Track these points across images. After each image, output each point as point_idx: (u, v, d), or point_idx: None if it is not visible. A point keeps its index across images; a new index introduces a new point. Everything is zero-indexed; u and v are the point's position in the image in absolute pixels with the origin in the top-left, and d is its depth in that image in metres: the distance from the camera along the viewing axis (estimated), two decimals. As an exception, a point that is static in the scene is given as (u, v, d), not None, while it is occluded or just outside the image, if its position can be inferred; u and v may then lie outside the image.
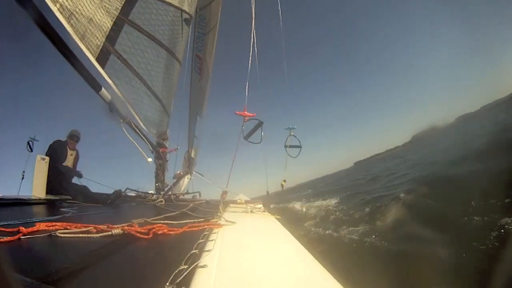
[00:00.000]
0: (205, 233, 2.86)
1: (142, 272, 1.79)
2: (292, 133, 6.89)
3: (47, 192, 6.21)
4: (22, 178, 7.06)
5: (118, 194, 6.44)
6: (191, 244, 2.29)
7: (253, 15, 6.18)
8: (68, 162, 6.95)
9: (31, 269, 1.61)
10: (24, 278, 1.32)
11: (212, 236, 2.78)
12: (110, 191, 6.48)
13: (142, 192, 7.73)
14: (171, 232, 2.79)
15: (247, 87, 5.81)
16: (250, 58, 6.53)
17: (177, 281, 1.52)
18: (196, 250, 2.16)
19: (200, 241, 2.48)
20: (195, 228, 3.09)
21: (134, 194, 7.59)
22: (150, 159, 6.79)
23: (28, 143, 7.10)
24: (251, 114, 5.61)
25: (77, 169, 7.32)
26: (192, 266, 1.77)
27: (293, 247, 2.95)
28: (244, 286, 1.78)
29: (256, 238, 3.54)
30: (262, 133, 5.67)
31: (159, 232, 2.71)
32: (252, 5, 6.21)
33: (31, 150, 7.12)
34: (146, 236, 2.51)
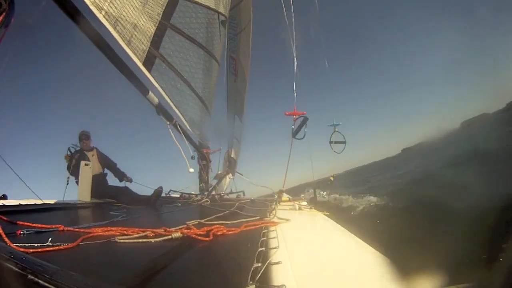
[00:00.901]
0: (263, 231, 2.86)
1: (217, 274, 1.80)
2: (336, 129, 6.85)
3: (91, 197, 6.39)
4: (67, 183, 7.19)
5: (158, 193, 6.53)
6: (254, 243, 2.29)
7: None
8: (93, 163, 7.03)
9: (98, 275, 1.63)
10: (102, 282, 1.32)
11: (272, 234, 2.78)
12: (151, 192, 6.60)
13: (185, 193, 7.82)
14: (230, 232, 2.80)
15: (294, 87, 5.81)
16: (295, 59, 6.51)
17: (257, 278, 1.52)
18: (263, 248, 2.15)
19: (262, 239, 2.47)
20: (252, 227, 3.10)
21: (177, 195, 7.68)
22: (192, 169, 6.87)
23: (69, 149, 7.24)
24: (301, 113, 5.61)
25: (119, 168, 7.44)
26: (266, 263, 1.76)
27: (353, 240, 2.92)
28: (323, 279, 1.76)
29: (315, 233, 3.55)
30: (306, 129, 5.66)
31: (219, 233, 2.72)
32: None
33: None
34: (206, 238, 2.51)
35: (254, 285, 1.45)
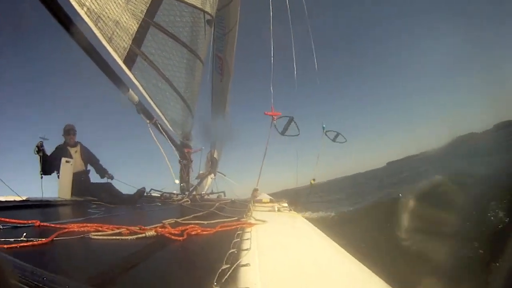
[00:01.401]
0: (238, 232, 2.82)
1: (185, 273, 1.79)
2: (325, 131, 7.00)
3: (72, 194, 6.30)
4: (41, 177, 6.93)
5: (141, 193, 6.47)
6: (227, 244, 2.27)
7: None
8: (76, 159, 6.83)
9: (69, 271, 1.62)
10: (68, 280, 1.31)
11: (246, 235, 2.75)
12: (134, 191, 6.53)
13: (166, 192, 7.76)
14: (204, 232, 2.77)
15: (271, 87, 5.84)
16: (272, 59, 6.57)
17: (223, 280, 1.50)
18: (234, 249, 2.12)
19: (235, 240, 2.44)
20: (227, 228, 3.07)
21: (158, 195, 7.62)
22: (177, 181, 6.83)
23: (39, 145, 6.96)
24: (278, 113, 5.65)
25: (102, 165, 7.32)
26: (234, 265, 1.74)
27: (328, 244, 2.93)
28: (289, 283, 1.76)
29: (290, 236, 3.54)
30: (297, 126, 5.75)
31: (193, 233, 2.69)
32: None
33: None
34: (180, 238, 2.48)
35: (218, 287, 1.45)
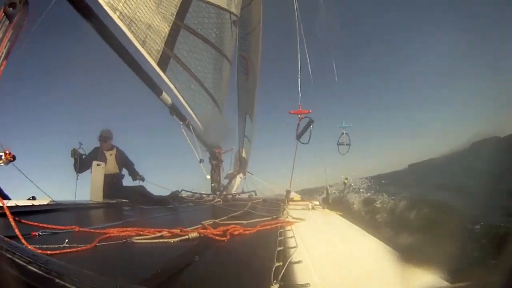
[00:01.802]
0: (280, 230, 2.85)
1: (240, 274, 1.78)
2: (344, 131, 6.86)
3: (104, 197, 6.40)
4: (77, 179, 7.07)
5: (175, 196, 6.54)
6: (272, 242, 2.29)
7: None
8: (110, 163, 6.96)
9: (118, 276, 1.60)
10: (129, 284, 1.32)
11: (289, 233, 2.78)
12: (166, 192, 6.59)
13: (197, 192, 7.82)
14: (246, 232, 2.78)
15: (299, 84, 5.75)
16: (299, 54, 6.49)
17: (280, 277, 1.50)
18: (281, 247, 2.14)
19: (280, 238, 2.47)
20: (268, 227, 3.09)
21: (189, 195, 7.68)
22: (208, 176, 6.85)
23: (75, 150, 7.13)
24: (306, 111, 5.53)
25: (135, 169, 7.43)
26: (287, 263, 1.75)
27: (369, 239, 2.94)
28: (346, 278, 1.77)
29: (331, 232, 3.56)
30: (311, 133, 5.57)
31: (235, 233, 2.70)
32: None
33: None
34: (223, 238, 2.48)
35: (278, 284, 1.44)
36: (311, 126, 5.48)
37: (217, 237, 2.48)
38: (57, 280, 1.04)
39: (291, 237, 2.60)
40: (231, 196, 7.46)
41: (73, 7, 4.28)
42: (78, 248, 2.05)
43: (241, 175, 9.38)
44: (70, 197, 6.63)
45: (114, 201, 6.35)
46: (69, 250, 2.00)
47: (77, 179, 6.83)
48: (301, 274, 1.65)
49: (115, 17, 4.76)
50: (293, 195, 7.38)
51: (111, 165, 6.97)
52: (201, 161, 7.51)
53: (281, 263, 1.73)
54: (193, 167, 7.49)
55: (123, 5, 4.87)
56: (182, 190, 7.69)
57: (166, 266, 1.84)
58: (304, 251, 2.13)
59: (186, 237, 2.48)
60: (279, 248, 2.09)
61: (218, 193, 7.88)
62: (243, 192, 8.58)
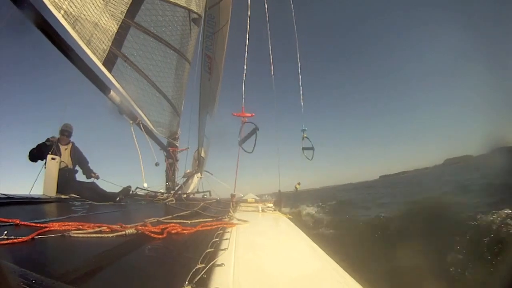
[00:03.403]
0: (218, 232, 2.88)
1: (159, 272, 1.79)
2: (305, 135, 6.90)
3: (57, 191, 6.31)
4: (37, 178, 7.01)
5: (126, 191, 6.50)
6: (205, 243, 2.31)
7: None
8: (64, 157, 6.89)
9: (47, 269, 1.63)
10: (42, 277, 1.33)
11: (226, 235, 2.81)
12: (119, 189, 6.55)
13: (152, 191, 7.78)
14: (184, 232, 2.80)
15: (243, 85, 5.71)
16: (246, 53, 6.49)
17: (195, 280, 1.52)
18: (212, 249, 2.17)
19: (215, 240, 2.49)
20: (208, 227, 3.11)
21: (144, 193, 7.64)
22: (146, 184, 6.85)
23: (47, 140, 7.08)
24: (249, 114, 5.43)
25: (89, 167, 7.34)
26: (209, 265, 1.77)
27: (307, 245, 2.95)
28: (262, 284, 1.78)
29: (270, 237, 3.56)
30: (255, 142, 5.47)
31: (173, 232, 2.73)
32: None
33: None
34: (160, 236, 2.52)
35: (190, 286, 1.46)
36: (256, 134, 5.35)
37: (153, 235, 2.51)
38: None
39: (227, 239, 2.63)
40: (185, 195, 7.45)
41: (15, 5, 4.18)
42: (14, 240, 2.04)
43: (198, 174, 9.37)
44: (25, 191, 6.57)
45: (67, 196, 6.26)
46: (5, 242, 1.99)
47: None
48: (218, 277, 1.68)
49: (59, 16, 4.67)
50: (250, 196, 7.45)
51: (65, 159, 6.90)
52: (156, 164, 7.48)
53: (203, 265, 1.75)
54: (149, 166, 7.44)
55: (68, 3, 4.79)
56: (137, 188, 7.65)
57: (93, 261, 1.87)
58: (231, 254, 2.16)
59: (123, 233, 2.50)
60: (208, 250, 2.12)
61: (172, 192, 7.87)
62: (197, 192, 8.59)
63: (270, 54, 7.35)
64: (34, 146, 6.82)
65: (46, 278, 1.33)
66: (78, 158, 7.19)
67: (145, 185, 6.74)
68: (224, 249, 2.24)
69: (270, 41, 7.40)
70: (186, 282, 1.48)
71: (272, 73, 7.84)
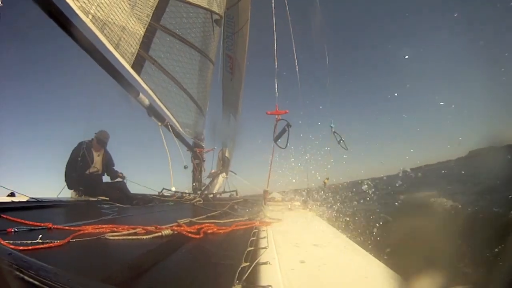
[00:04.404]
0: (254, 230, 2.87)
1: (205, 272, 1.79)
2: (334, 131, 6.91)
3: (84, 194, 6.41)
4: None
5: (146, 199, 6.56)
6: (244, 242, 2.30)
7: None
8: (96, 163, 6.96)
9: (89, 272, 1.64)
10: (88, 280, 1.34)
11: (262, 234, 2.79)
12: (148, 191, 6.60)
13: (178, 192, 7.83)
14: (220, 231, 2.80)
15: (276, 84, 5.73)
16: (275, 52, 6.50)
17: (244, 278, 1.51)
18: (252, 248, 2.16)
19: (252, 238, 2.48)
20: (243, 227, 3.11)
21: (170, 194, 7.70)
22: (174, 188, 6.93)
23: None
24: (283, 112, 5.50)
25: (114, 168, 7.40)
26: (254, 263, 1.76)
27: (344, 241, 2.91)
28: (311, 280, 1.76)
29: (305, 234, 3.52)
30: (288, 137, 5.53)
31: (209, 231, 2.73)
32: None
33: None
34: (197, 236, 2.52)
35: (240, 285, 1.45)
36: (288, 130, 5.43)
37: (190, 235, 2.51)
38: (16, 273, 1.07)
39: (264, 237, 2.61)
40: (212, 196, 7.48)
41: (44, 12, 4.26)
42: (51, 244, 2.07)
43: (223, 174, 9.40)
44: (53, 195, 6.68)
45: (95, 199, 6.35)
46: (41, 246, 2.01)
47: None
48: (265, 275, 1.66)
49: (87, 20, 4.73)
50: (275, 195, 7.42)
51: (97, 166, 6.99)
52: (185, 167, 7.54)
53: (248, 264, 1.74)
54: (176, 166, 7.49)
55: (96, 8, 4.85)
56: (163, 189, 7.72)
57: (134, 263, 1.89)
58: (273, 252, 2.14)
59: (159, 234, 2.51)
60: (249, 248, 2.11)
61: (199, 192, 7.91)
62: (224, 192, 8.61)
63: (294, 50, 7.34)
64: (69, 155, 6.81)
65: (92, 281, 1.33)
66: (107, 162, 7.27)
67: (173, 189, 6.79)
68: (265, 248, 2.23)
69: (292, 39, 7.39)
70: (236, 281, 1.47)
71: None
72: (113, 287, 1.40)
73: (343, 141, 7.11)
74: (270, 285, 1.49)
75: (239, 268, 1.63)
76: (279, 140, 5.50)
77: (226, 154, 9.74)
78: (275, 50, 6.28)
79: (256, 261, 1.83)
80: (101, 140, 7.07)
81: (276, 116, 5.54)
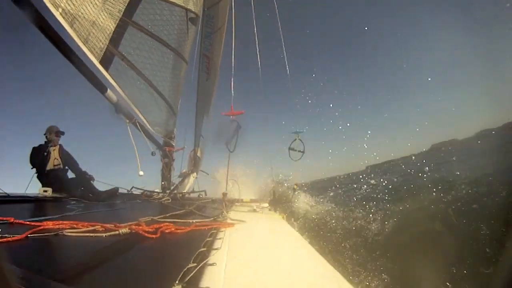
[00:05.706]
0: (212, 231, 2.88)
1: (151, 271, 1.81)
2: (299, 137, 6.87)
3: (53, 190, 6.29)
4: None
5: (113, 192, 6.50)
6: (199, 243, 2.30)
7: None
8: (55, 156, 6.76)
9: (40, 268, 1.64)
10: (34, 275, 1.34)
11: (220, 235, 2.81)
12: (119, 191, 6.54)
13: (148, 190, 7.79)
14: (178, 231, 2.80)
15: (232, 83, 5.72)
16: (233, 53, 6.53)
17: (186, 280, 1.52)
18: (204, 248, 2.17)
19: (208, 239, 2.49)
20: (202, 227, 3.11)
21: (139, 193, 7.65)
22: (141, 172, 6.85)
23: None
24: (238, 112, 5.47)
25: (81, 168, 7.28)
26: (200, 264, 1.77)
27: (300, 246, 2.98)
28: (253, 284, 1.78)
29: (263, 236, 3.56)
30: (237, 140, 5.44)
31: (167, 231, 2.73)
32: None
33: None
34: (153, 235, 2.51)
35: (180, 285, 1.46)
36: (238, 134, 5.36)
37: (147, 234, 2.50)
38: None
39: (220, 238, 2.63)
40: (181, 195, 7.46)
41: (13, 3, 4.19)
42: (9, 238, 2.06)
43: (194, 174, 9.37)
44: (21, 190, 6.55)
45: (62, 196, 6.25)
46: None
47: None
48: (208, 277, 1.68)
49: (57, 14, 4.67)
50: (245, 196, 7.47)
51: (57, 158, 6.83)
52: (152, 153, 7.53)
53: (195, 264, 1.75)
54: (147, 165, 7.46)
55: (66, 2, 4.79)
56: (132, 187, 7.66)
57: (85, 260, 1.90)
58: (223, 254, 2.16)
59: (117, 232, 2.50)
60: (201, 249, 2.11)
61: (168, 191, 7.88)
62: (193, 192, 8.59)
63: (284, 50, 7.38)
64: (36, 145, 6.70)
65: (38, 276, 1.34)
66: (66, 159, 7.11)
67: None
68: (217, 249, 2.25)
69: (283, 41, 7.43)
70: (177, 282, 1.49)
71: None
72: (56, 283, 1.39)
73: (302, 153, 6.86)
74: (208, 287, 1.52)
75: (185, 269, 1.64)
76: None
77: (198, 154, 9.71)
78: (233, 52, 6.29)
79: (204, 262, 1.84)
80: (59, 132, 6.87)
81: (231, 117, 5.50)
